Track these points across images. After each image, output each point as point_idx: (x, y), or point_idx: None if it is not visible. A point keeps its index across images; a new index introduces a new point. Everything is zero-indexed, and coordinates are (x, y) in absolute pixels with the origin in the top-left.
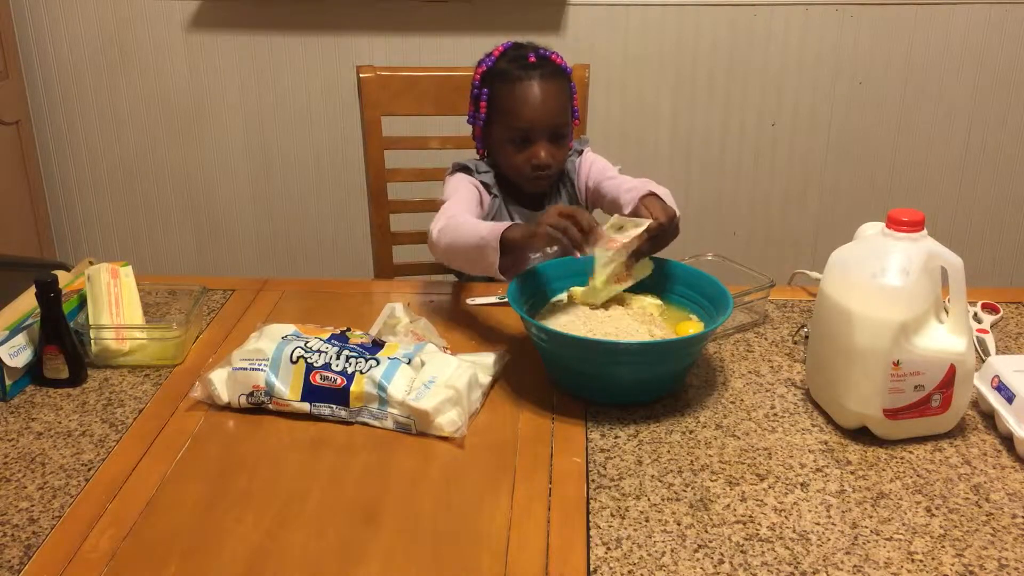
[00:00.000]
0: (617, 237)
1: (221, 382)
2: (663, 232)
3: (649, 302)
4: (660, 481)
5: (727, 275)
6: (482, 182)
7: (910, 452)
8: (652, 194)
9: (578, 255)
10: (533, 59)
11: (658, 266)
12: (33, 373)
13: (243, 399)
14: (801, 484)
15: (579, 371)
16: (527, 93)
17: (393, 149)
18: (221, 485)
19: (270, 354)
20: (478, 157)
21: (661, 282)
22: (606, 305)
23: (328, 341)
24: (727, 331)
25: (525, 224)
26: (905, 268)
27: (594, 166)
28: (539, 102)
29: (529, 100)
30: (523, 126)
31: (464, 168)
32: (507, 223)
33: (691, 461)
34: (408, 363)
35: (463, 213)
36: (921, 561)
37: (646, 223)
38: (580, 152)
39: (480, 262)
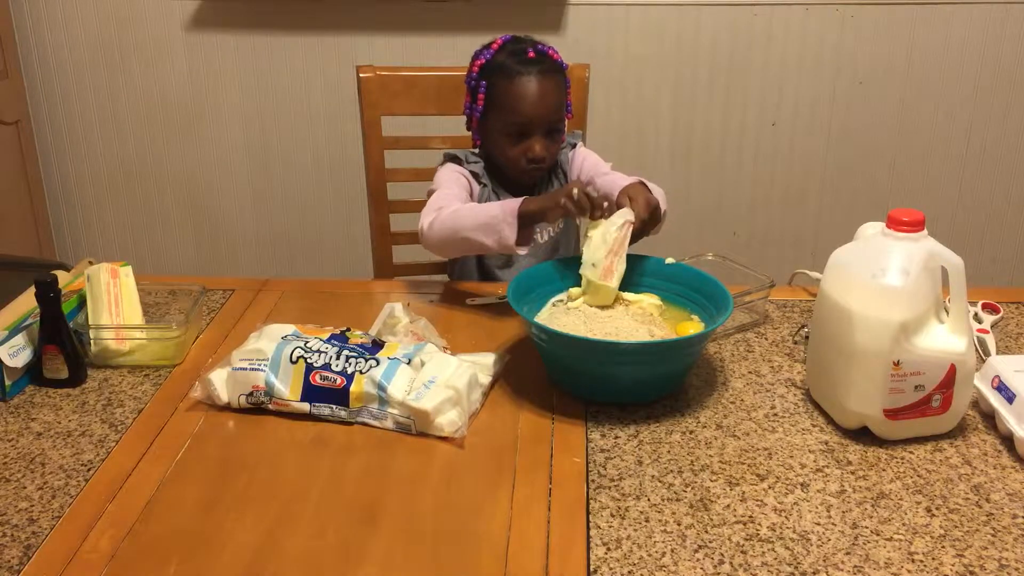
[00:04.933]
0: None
1: (221, 382)
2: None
3: (649, 302)
4: (660, 481)
5: (727, 275)
6: (471, 171)
7: (910, 452)
8: (639, 182)
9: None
10: (532, 54)
11: (659, 266)
12: (33, 373)
13: (243, 399)
14: (801, 484)
15: (579, 371)
16: (525, 88)
17: (393, 149)
18: (221, 485)
19: (270, 354)
20: (473, 147)
21: (661, 282)
22: (604, 305)
23: (328, 341)
24: (727, 331)
25: (539, 197)
26: (905, 268)
27: (586, 162)
28: (537, 97)
29: (527, 95)
30: (521, 120)
31: (454, 159)
32: (519, 199)
33: (691, 461)
34: (408, 363)
35: (455, 203)
36: (921, 561)
37: (624, 215)
38: (573, 146)
39: (487, 241)
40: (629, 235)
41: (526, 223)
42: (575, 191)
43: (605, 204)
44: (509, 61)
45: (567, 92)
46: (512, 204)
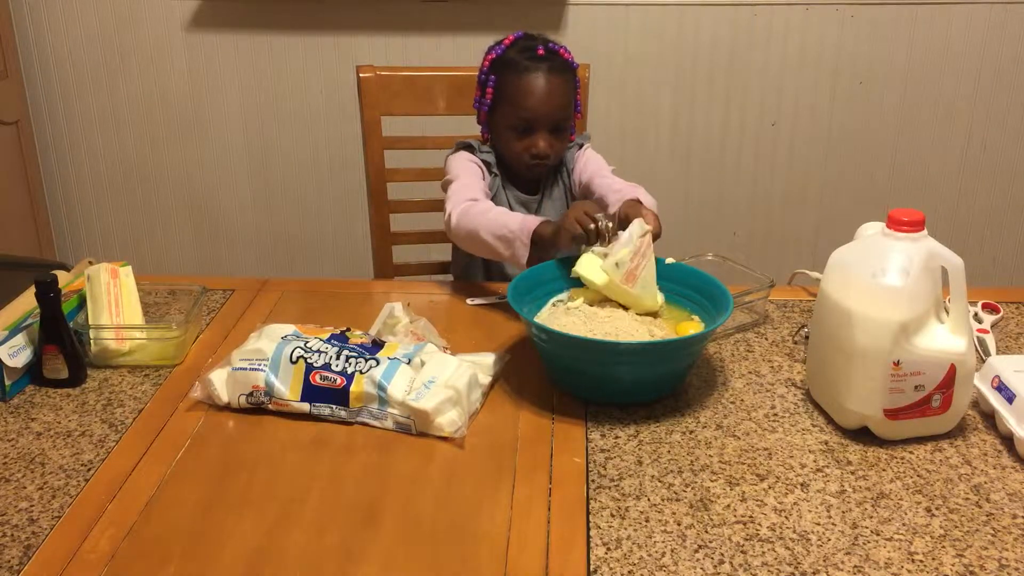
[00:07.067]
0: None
1: (221, 382)
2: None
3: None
4: (660, 481)
5: (727, 275)
6: (483, 160)
7: (910, 452)
8: (636, 200)
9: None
10: (542, 51)
11: (659, 266)
12: (33, 373)
13: (243, 399)
14: (801, 484)
15: (579, 371)
16: (533, 84)
17: (393, 149)
18: (221, 485)
19: (270, 354)
20: (482, 141)
21: (661, 282)
22: (603, 304)
23: (328, 341)
24: (727, 331)
25: (554, 221)
26: (905, 268)
27: (589, 163)
28: (544, 94)
29: (534, 91)
30: (526, 116)
31: (468, 147)
32: (538, 219)
33: (691, 461)
34: (408, 363)
35: (482, 198)
36: (921, 561)
37: (639, 230)
38: (581, 146)
39: (503, 252)
40: (651, 243)
41: (540, 246)
42: (583, 217)
43: (609, 226)
44: (518, 57)
45: (576, 91)
46: (531, 223)
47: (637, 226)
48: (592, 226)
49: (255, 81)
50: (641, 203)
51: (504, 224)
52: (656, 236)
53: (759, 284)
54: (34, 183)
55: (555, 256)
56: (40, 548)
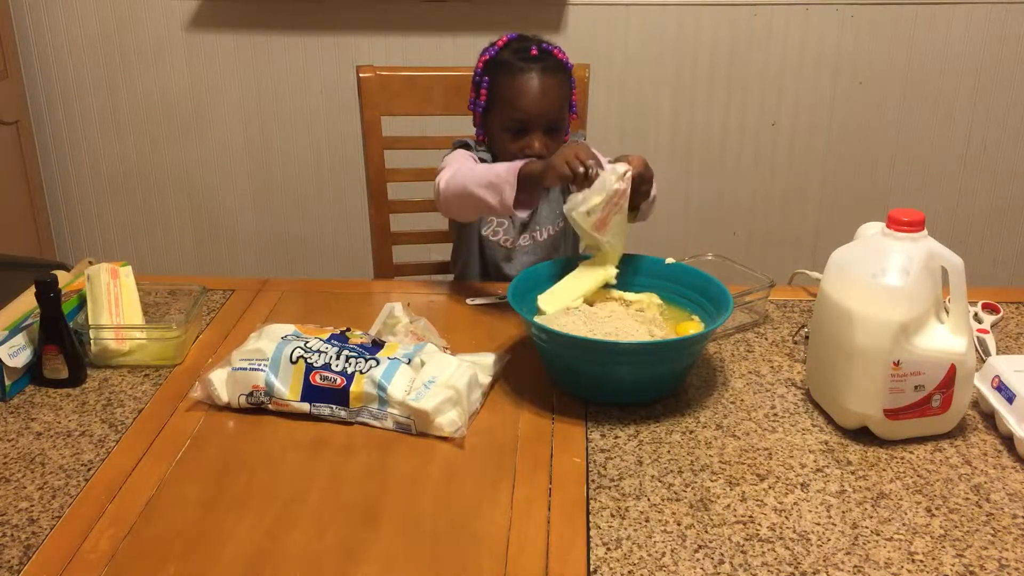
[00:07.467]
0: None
1: (221, 382)
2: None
3: (649, 302)
4: (660, 481)
5: (727, 275)
6: (480, 159)
7: (910, 452)
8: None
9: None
10: (535, 52)
11: (659, 266)
12: (33, 373)
13: (243, 399)
14: (801, 484)
15: (579, 371)
16: (526, 85)
17: (393, 149)
18: (221, 485)
19: (270, 354)
20: (478, 143)
21: (661, 282)
22: (603, 304)
23: (328, 341)
24: (727, 331)
25: (543, 160)
26: (905, 268)
27: None
28: (537, 94)
29: (528, 92)
30: (520, 116)
31: (465, 145)
32: (522, 161)
33: (691, 461)
34: (408, 363)
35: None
36: (921, 561)
37: (614, 176)
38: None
39: (492, 201)
40: (628, 191)
41: (527, 185)
42: (574, 159)
43: (599, 173)
44: (512, 58)
45: (571, 91)
46: (517, 164)
47: (612, 173)
48: (581, 169)
49: (255, 81)
50: (631, 156)
51: (492, 171)
52: (648, 182)
53: (759, 284)
54: (34, 183)
55: (542, 196)
56: (40, 548)
